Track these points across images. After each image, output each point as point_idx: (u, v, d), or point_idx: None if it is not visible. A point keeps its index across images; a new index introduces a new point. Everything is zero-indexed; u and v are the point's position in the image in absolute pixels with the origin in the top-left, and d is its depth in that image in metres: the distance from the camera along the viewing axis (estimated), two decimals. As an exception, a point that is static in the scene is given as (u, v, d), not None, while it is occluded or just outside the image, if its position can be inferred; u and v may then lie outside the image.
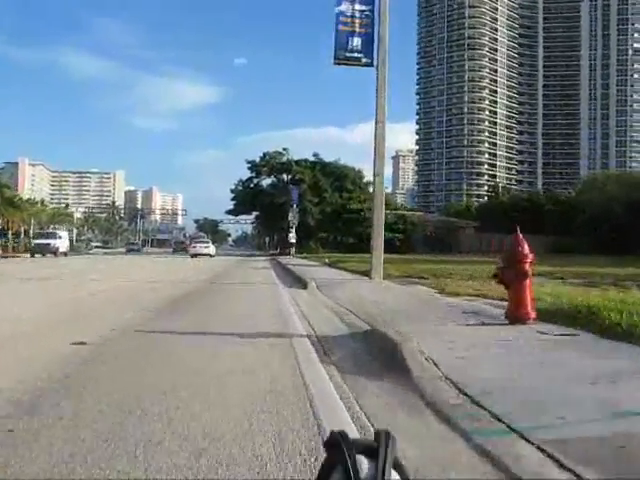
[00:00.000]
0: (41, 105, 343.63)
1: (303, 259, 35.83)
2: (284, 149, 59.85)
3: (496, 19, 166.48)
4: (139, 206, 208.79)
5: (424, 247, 53.83)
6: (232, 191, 61.52)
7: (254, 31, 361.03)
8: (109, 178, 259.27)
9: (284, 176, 58.80)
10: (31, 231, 51.52)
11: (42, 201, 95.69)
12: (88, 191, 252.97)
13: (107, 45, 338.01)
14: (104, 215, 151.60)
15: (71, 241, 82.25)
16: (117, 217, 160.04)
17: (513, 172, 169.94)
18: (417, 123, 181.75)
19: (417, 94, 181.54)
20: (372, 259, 13.98)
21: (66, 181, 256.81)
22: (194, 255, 45.19)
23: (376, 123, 13.93)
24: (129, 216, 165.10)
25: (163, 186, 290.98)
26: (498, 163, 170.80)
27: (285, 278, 17.73)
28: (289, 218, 43.60)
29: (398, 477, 0.58)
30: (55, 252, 42.07)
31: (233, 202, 61.58)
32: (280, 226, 53.76)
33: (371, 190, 63.97)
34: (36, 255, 41.05)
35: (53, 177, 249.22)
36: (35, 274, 18.43)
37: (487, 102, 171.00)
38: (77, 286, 13.90)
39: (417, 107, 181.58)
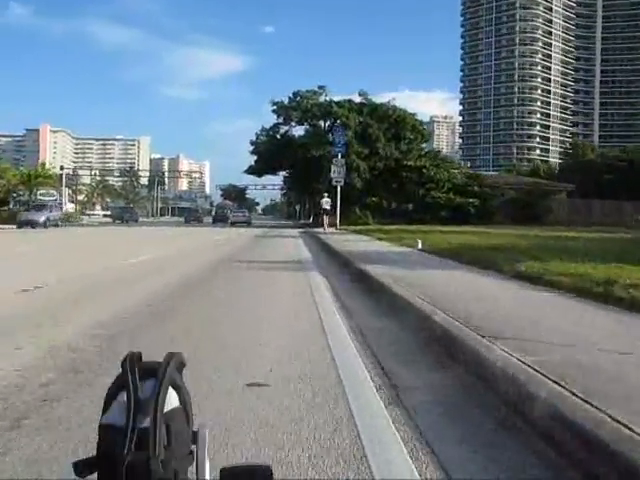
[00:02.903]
0: (69, 74, 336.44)
1: (356, 235, 22.24)
2: (320, 87, 44.52)
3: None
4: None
5: (504, 216, 40.06)
6: (252, 143, 46.43)
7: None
8: (133, 145, 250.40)
9: (321, 123, 43.91)
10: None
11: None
12: (112, 158, 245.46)
13: (132, 14, 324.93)
14: (121, 183, 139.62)
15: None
16: (138, 184, 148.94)
17: (567, 135, 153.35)
18: (461, 81, 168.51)
19: (462, 49, 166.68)
20: None
21: (89, 148, 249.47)
22: (234, 223, 48.99)
23: None
24: (151, 183, 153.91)
25: (190, 154, 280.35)
26: (551, 124, 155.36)
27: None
28: (332, 174, 29.65)
29: (176, 396, 0.60)
30: None
31: (254, 157, 46.54)
32: (316, 188, 39.85)
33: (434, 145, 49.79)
34: None
35: (76, 144, 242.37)
36: None
37: (540, 56, 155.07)
38: None
39: (462, 63, 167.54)
